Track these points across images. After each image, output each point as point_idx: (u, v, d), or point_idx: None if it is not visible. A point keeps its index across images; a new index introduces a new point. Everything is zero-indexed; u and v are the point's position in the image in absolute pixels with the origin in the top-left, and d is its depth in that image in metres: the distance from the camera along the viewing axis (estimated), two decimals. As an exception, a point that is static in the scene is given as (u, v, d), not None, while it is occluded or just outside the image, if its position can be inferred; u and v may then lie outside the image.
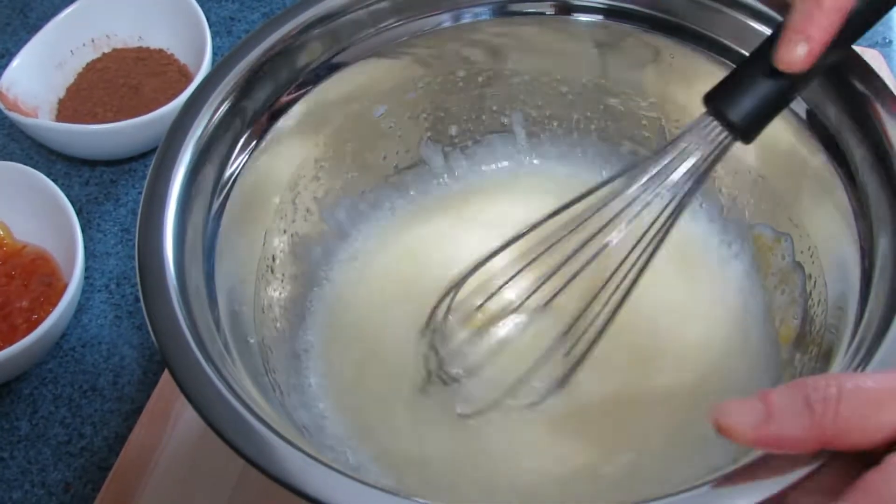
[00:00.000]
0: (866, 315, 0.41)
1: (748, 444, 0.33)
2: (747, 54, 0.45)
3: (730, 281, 0.56)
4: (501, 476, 0.50)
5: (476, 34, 0.56)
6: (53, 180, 0.64)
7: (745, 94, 0.42)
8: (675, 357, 0.53)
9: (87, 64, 0.76)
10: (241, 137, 0.50)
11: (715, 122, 0.43)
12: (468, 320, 0.51)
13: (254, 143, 0.51)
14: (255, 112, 0.50)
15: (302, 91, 0.53)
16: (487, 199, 0.60)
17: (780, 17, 0.47)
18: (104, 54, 0.77)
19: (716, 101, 0.43)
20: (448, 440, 0.51)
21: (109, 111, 0.73)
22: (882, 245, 0.42)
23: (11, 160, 0.70)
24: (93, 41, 0.77)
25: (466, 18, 0.55)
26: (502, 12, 0.55)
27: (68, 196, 0.63)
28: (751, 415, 0.33)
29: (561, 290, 0.49)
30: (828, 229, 0.48)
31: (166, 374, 0.58)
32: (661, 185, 0.45)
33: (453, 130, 0.61)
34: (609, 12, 0.54)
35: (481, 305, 0.52)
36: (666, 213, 0.45)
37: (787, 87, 0.42)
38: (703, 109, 0.43)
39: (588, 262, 0.46)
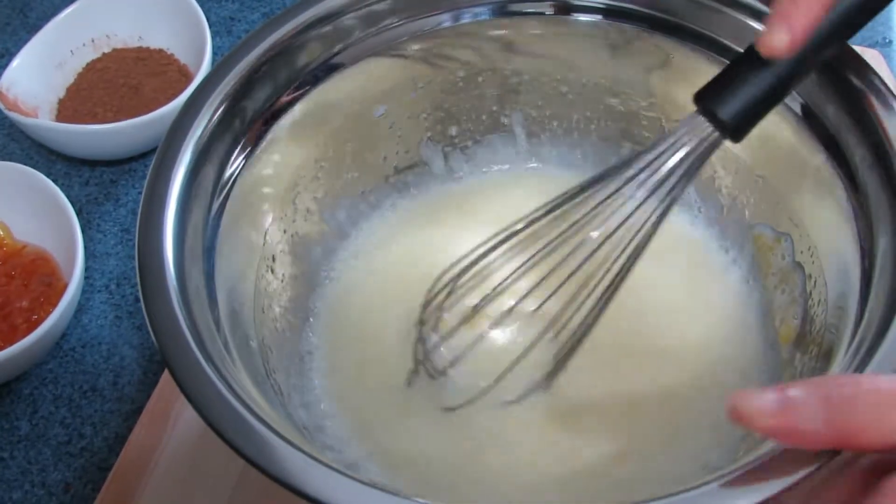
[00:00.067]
0: (866, 315, 0.41)
1: (763, 432, 0.33)
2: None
3: (730, 281, 0.56)
4: (502, 476, 0.50)
5: (476, 34, 0.56)
6: (53, 180, 0.64)
7: (734, 93, 0.42)
8: (675, 357, 0.53)
9: (87, 64, 0.76)
10: (241, 137, 0.50)
11: (705, 121, 0.43)
12: (457, 316, 0.51)
13: (254, 143, 0.51)
14: (255, 112, 0.50)
15: (302, 91, 0.53)
16: (488, 199, 0.60)
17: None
18: (104, 54, 0.77)
19: (706, 99, 0.43)
20: (448, 440, 0.51)
21: (109, 111, 0.73)
22: (882, 244, 0.42)
23: (11, 160, 0.70)
24: (93, 41, 0.77)
25: (466, 18, 0.55)
26: (502, 12, 0.55)
27: (68, 196, 0.63)
28: (769, 404, 0.33)
29: (545, 284, 0.48)
30: (828, 229, 0.48)
31: (166, 375, 0.58)
32: (649, 183, 0.45)
33: (453, 130, 0.61)
34: (608, 12, 0.54)
35: (471, 301, 0.51)
36: (655, 211, 0.45)
37: (777, 85, 0.42)
38: (703, 109, 0.44)
39: (573, 258, 0.46)
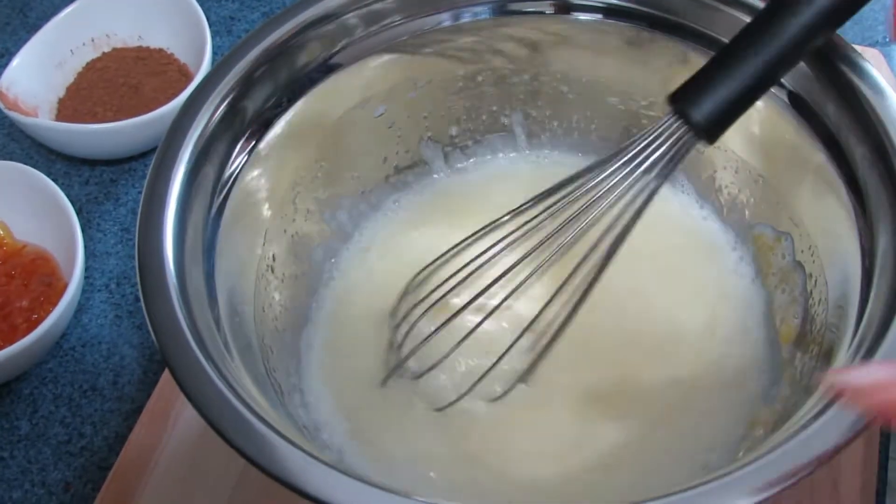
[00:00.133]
0: (867, 314, 0.41)
1: (865, 405, 0.34)
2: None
3: (730, 280, 0.56)
4: (501, 475, 0.50)
5: (475, 34, 0.56)
6: (53, 180, 0.64)
7: (708, 95, 0.43)
8: (675, 356, 0.53)
9: (87, 63, 0.76)
10: (240, 137, 0.50)
11: (679, 122, 0.44)
12: (435, 312, 0.51)
13: (253, 142, 0.51)
14: (255, 111, 0.50)
15: (302, 91, 0.53)
16: (488, 198, 0.60)
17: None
18: (104, 54, 0.77)
19: (680, 101, 0.43)
20: (444, 440, 0.51)
21: (109, 111, 0.73)
22: (882, 243, 0.42)
23: (11, 160, 0.70)
24: (93, 40, 0.77)
25: (466, 18, 0.55)
26: (502, 11, 0.55)
27: (68, 196, 0.63)
28: (872, 379, 0.34)
29: (522, 279, 0.48)
30: (828, 228, 0.48)
31: (166, 374, 0.58)
32: (622, 186, 0.45)
33: (453, 130, 0.61)
34: (608, 11, 0.54)
35: (449, 297, 0.51)
36: (629, 210, 0.46)
37: (751, 89, 0.43)
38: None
39: (546, 256, 0.47)
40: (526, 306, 0.50)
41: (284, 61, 0.51)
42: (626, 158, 0.45)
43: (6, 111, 0.68)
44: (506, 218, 0.50)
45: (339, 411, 0.52)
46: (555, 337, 0.48)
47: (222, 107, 0.48)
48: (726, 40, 0.51)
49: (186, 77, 0.75)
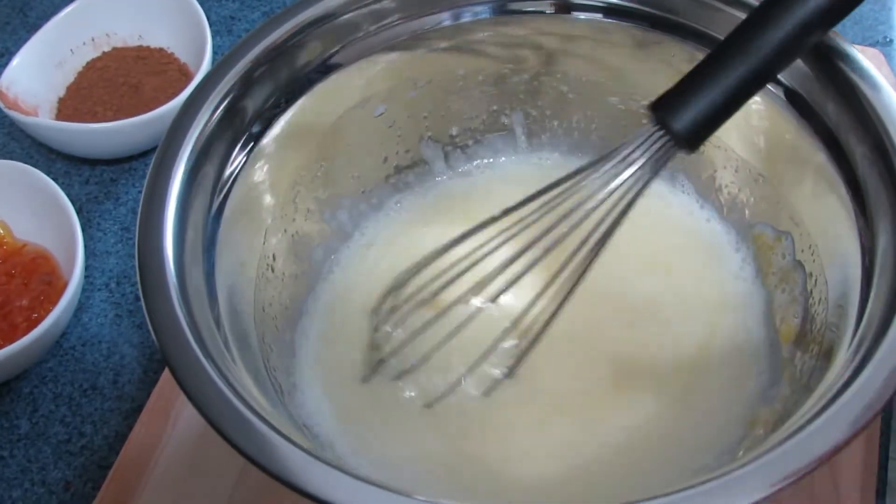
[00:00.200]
0: (867, 313, 0.41)
1: None
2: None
3: (730, 280, 0.56)
4: (500, 475, 0.50)
5: (476, 33, 0.56)
6: (53, 179, 0.64)
7: (688, 104, 0.43)
8: (674, 356, 0.53)
9: (88, 63, 0.76)
10: (240, 136, 0.50)
11: (659, 131, 0.44)
12: (421, 308, 0.51)
13: (253, 142, 0.51)
14: (255, 111, 0.50)
15: (302, 90, 0.53)
16: (487, 198, 0.60)
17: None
18: (104, 53, 0.77)
19: (660, 110, 0.43)
20: (441, 438, 0.51)
21: (109, 110, 0.73)
22: (882, 242, 0.42)
23: (11, 159, 0.70)
24: (93, 40, 0.77)
25: (466, 17, 0.55)
26: (502, 11, 0.55)
27: (68, 195, 0.63)
28: None
29: (509, 285, 0.48)
30: (828, 227, 0.48)
31: (166, 373, 0.58)
32: (603, 191, 0.45)
33: (454, 130, 0.61)
34: (608, 10, 0.54)
35: (436, 293, 0.51)
36: (610, 217, 0.46)
37: (732, 99, 0.43)
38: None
39: (530, 264, 0.47)
40: (511, 304, 0.51)
41: (285, 61, 0.51)
42: (606, 167, 0.45)
43: (6, 110, 0.68)
44: (487, 221, 0.50)
45: (337, 411, 0.52)
46: (540, 332, 0.49)
47: (222, 106, 0.48)
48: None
49: (186, 76, 0.75)
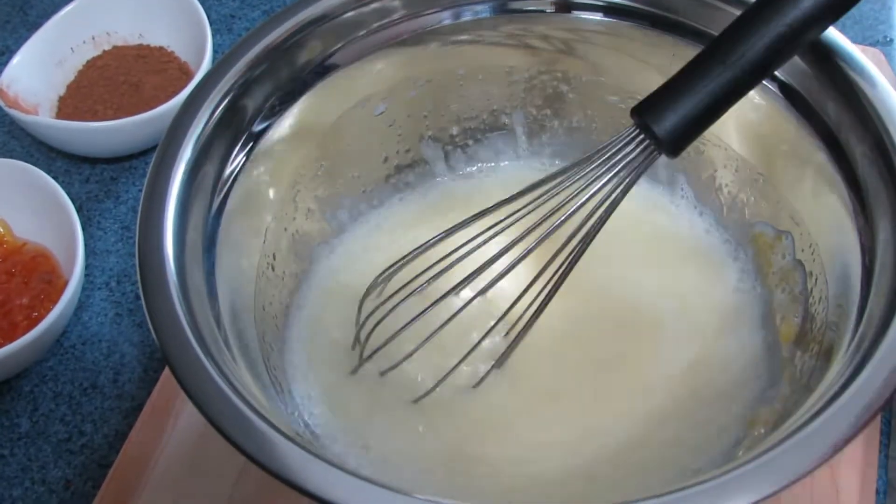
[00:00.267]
0: (867, 312, 0.41)
1: None
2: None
3: (730, 279, 0.56)
4: (500, 475, 0.50)
5: (476, 32, 0.56)
6: (54, 178, 0.64)
7: (671, 109, 0.42)
8: (675, 355, 0.53)
9: (88, 61, 0.76)
10: (241, 135, 0.50)
11: (641, 136, 0.44)
12: (403, 304, 0.51)
13: (254, 140, 0.51)
14: (256, 110, 0.50)
15: (302, 89, 0.53)
16: (487, 197, 0.60)
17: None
18: (104, 52, 0.77)
19: (643, 114, 0.43)
20: (441, 439, 0.51)
21: (110, 109, 0.73)
22: (883, 242, 0.42)
23: (12, 158, 0.70)
24: (93, 38, 0.77)
25: (466, 16, 0.55)
26: (502, 10, 0.55)
27: (69, 193, 0.63)
28: None
29: (493, 284, 0.49)
30: (829, 226, 0.48)
31: (167, 372, 0.58)
32: (585, 194, 0.45)
33: (454, 129, 0.61)
34: (609, 10, 0.54)
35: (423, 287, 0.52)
36: (591, 220, 0.46)
37: (715, 104, 0.42)
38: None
39: (510, 265, 0.47)
40: (497, 300, 0.51)
41: (285, 60, 0.51)
42: (588, 170, 0.46)
43: (7, 109, 0.68)
44: (470, 219, 0.50)
45: (336, 411, 0.52)
46: (527, 326, 0.49)
47: (223, 105, 0.48)
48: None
49: (187, 75, 0.75)
